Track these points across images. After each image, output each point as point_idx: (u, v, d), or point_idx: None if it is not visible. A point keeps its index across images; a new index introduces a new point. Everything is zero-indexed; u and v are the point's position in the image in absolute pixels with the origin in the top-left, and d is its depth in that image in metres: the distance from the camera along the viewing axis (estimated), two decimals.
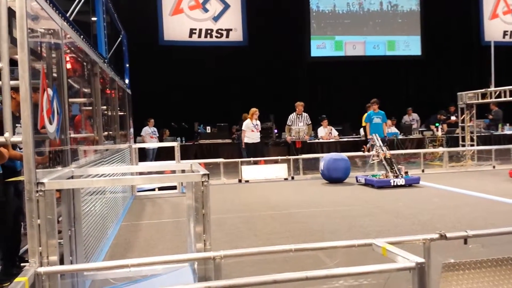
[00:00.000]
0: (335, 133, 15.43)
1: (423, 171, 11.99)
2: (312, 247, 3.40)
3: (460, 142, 14.28)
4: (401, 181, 9.62)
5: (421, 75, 20.25)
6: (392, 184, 9.54)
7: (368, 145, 11.09)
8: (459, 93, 14.32)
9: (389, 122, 15.94)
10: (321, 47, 19.44)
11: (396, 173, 9.76)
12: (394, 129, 15.98)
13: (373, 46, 19.85)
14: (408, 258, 2.68)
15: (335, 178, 10.41)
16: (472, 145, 13.93)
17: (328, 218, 6.85)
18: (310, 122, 12.88)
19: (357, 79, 19.41)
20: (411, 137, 16.00)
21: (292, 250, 3.14)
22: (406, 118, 17.60)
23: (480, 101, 13.69)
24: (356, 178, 10.37)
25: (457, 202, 7.83)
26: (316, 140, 14.99)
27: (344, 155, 10.89)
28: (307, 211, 7.48)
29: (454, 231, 3.31)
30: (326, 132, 15.18)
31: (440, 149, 13.83)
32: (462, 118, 14.23)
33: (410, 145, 15.51)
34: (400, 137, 15.59)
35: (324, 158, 10.68)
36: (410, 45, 20.13)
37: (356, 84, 19.30)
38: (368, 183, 9.86)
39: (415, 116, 17.73)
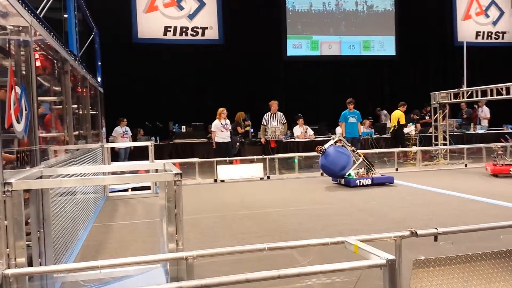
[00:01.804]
0: (310, 132, 15.50)
1: (396, 169, 12.14)
2: (285, 246, 3.39)
3: (433, 141, 14.52)
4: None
5: (396, 75, 20.51)
6: None
7: (325, 146, 9.68)
8: (432, 93, 14.57)
9: (366, 122, 16.16)
10: (297, 46, 19.49)
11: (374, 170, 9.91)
12: (370, 130, 16.19)
13: (349, 46, 20.00)
14: (379, 255, 2.69)
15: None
16: (444, 144, 14.18)
17: (303, 217, 6.87)
18: (285, 121, 12.90)
19: (333, 78, 19.55)
20: (385, 136, 16.18)
21: (266, 249, 3.13)
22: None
23: (453, 100, 13.95)
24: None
25: (429, 200, 7.94)
26: (292, 140, 15.04)
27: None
28: (282, 210, 7.49)
29: (425, 228, 3.35)
30: (302, 132, 15.24)
31: (414, 148, 14.03)
32: (435, 117, 14.48)
33: (384, 144, 15.70)
34: (375, 136, 15.79)
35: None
36: (385, 45, 20.34)
37: (331, 83, 19.44)
38: (378, 182, 9.60)
39: (381, 112, 18.01)
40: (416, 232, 3.18)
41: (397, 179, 10.07)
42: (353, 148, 10.20)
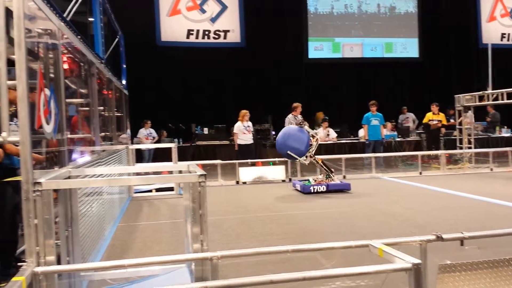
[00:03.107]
0: (333, 134, 15.42)
1: (420, 173, 12.00)
2: (309, 248, 3.39)
3: (458, 145, 14.31)
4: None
5: (419, 78, 20.28)
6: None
7: (306, 127, 9.78)
8: (456, 96, 14.36)
9: (389, 125, 16.00)
10: (318, 49, 19.44)
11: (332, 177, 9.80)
12: (392, 132, 16.03)
13: (371, 48, 19.85)
14: (404, 259, 2.68)
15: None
16: (469, 148, 13.96)
17: (326, 220, 6.85)
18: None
19: (354, 81, 19.44)
20: (408, 139, 16.03)
21: (289, 251, 3.14)
22: (401, 118, 17.61)
23: (478, 103, 13.73)
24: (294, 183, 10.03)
25: (454, 204, 7.84)
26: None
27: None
28: (304, 212, 7.48)
29: (450, 232, 3.31)
30: (324, 134, 15.18)
31: (438, 152, 13.85)
32: (459, 120, 14.26)
33: (408, 147, 15.54)
34: (398, 139, 15.63)
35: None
36: (407, 47, 20.14)
37: (353, 86, 19.34)
38: (333, 189, 9.42)
39: (409, 115, 17.77)
40: (441, 236, 3.16)
41: (420, 183, 9.96)
42: (311, 153, 9.76)
